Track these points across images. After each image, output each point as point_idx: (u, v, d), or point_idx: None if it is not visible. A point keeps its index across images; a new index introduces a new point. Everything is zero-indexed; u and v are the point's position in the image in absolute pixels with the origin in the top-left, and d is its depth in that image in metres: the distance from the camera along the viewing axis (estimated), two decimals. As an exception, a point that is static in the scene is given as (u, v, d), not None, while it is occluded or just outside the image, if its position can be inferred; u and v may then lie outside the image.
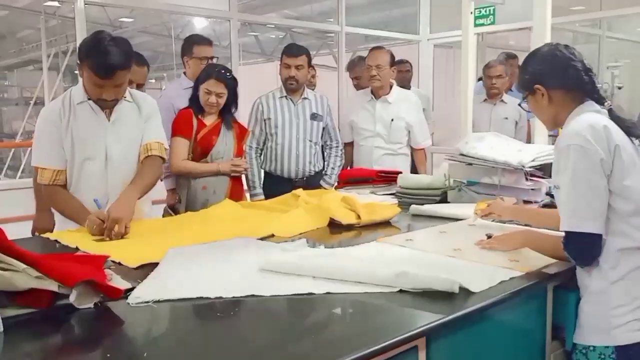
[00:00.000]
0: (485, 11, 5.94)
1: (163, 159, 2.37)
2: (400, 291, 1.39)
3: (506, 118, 4.29)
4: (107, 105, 2.22)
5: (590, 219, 1.47)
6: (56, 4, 9.05)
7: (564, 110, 1.64)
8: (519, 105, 1.82)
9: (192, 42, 3.41)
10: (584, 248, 1.50)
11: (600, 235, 1.49)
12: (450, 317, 1.26)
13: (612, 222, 1.50)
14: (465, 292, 1.37)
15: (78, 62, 2.13)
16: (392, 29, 7.21)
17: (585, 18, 6.36)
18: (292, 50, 3.38)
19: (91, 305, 1.32)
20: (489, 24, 6.00)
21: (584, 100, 1.62)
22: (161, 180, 2.94)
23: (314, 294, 1.40)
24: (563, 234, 1.52)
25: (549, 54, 1.67)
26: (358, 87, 4.35)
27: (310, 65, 3.42)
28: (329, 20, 7.79)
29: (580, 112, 1.60)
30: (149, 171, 2.29)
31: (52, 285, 1.29)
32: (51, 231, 2.28)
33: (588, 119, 1.55)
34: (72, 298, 1.29)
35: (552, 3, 5.84)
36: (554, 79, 1.63)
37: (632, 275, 1.49)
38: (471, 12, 3.27)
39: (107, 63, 2.03)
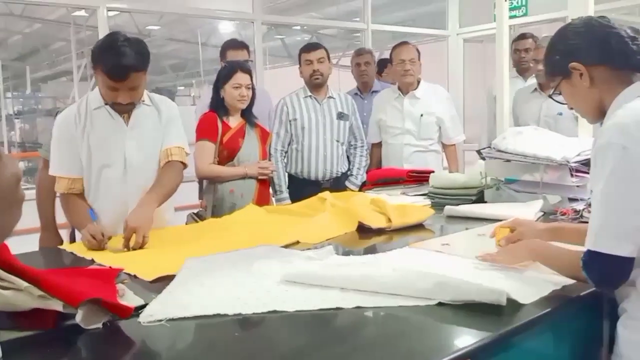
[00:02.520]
0: (518, 2, 5.73)
1: (184, 164, 2.27)
2: (439, 304, 1.24)
3: (560, 114, 3.33)
4: (123, 110, 2.13)
5: (621, 239, 1.18)
6: (84, 13, 9.14)
7: (610, 95, 1.33)
8: (550, 97, 1.49)
9: (226, 47, 3.47)
10: (607, 272, 1.22)
11: (631, 259, 1.19)
12: (498, 333, 1.10)
13: None
14: (512, 304, 1.21)
15: (92, 65, 2.04)
16: (420, 26, 7.05)
17: (627, 5, 6.04)
18: (310, 46, 3.36)
19: (99, 325, 1.21)
20: (522, 16, 5.80)
21: (632, 80, 1.31)
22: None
23: (342, 308, 1.26)
24: (584, 249, 1.24)
25: (583, 25, 1.37)
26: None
27: (329, 60, 3.33)
28: (355, 19, 7.66)
29: (629, 98, 1.29)
30: (169, 177, 2.18)
31: (56, 305, 1.19)
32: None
33: (637, 108, 1.25)
34: (78, 318, 1.18)
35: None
36: (594, 52, 1.33)
37: None
38: (505, 1, 3.08)
39: (121, 64, 1.94)
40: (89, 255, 1.82)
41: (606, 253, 1.19)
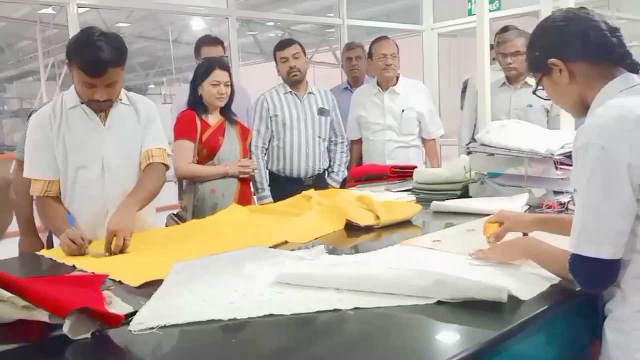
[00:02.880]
0: (489, -3, 5.77)
1: (166, 166, 2.21)
2: (439, 302, 1.22)
3: (530, 106, 3.31)
4: (101, 108, 2.05)
5: (604, 242, 1.16)
6: (51, 11, 8.91)
7: (592, 90, 1.29)
8: (534, 93, 1.45)
9: (201, 44, 3.40)
10: (592, 275, 1.20)
11: (617, 261, 1.18)
12: (501, 332, 1.09)
13: None
14: (511, 301, 1.19)
15: (67, 61, 1.96)
16: (394, 21, 7.06)
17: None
18: (283, 44, 3.28)
19: (88, 335, 1.16)
20: (496, 10, 5.84)
21: (615, 75, 1.28)
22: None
23: (340, 310, 1.23)
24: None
25: (562, 19, 1.33)
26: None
27: (305, 54, 3.28)
28: (329, 15, 7.63)
29: (610, 95, 1.26)
30: (151, 180, 2.11)
31: (42, 316, 1.13)
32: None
33: (618, 106, 1.20)
34: (66, 329, 1.13)
35: (556, -14, 5.71)
36: (573, 47, 1.29)
37: None
38: (487, -7, 3.07)
39: (98, 59, 1.87)
40: (69, 261, 1.75)
41: (589, 257, 1.17)
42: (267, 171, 3.26)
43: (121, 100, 2.12)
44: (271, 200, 3.11)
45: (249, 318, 1.22)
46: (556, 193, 2.23)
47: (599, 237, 1.16)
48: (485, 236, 1.63)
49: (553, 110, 3.32)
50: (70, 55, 1.93)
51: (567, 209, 2.08)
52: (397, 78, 3.45)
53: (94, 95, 1.97)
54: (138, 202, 2.01)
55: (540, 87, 1.42)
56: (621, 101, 1.22)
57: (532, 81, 3.28)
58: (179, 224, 2.59)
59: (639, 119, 1.15)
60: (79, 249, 1.81)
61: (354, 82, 3.98)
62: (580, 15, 1.32)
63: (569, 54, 1.30)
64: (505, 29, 3.42)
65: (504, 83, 3.53)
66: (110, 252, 1.80)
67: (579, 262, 1.19)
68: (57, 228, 2.02)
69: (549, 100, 1.45)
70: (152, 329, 1.17)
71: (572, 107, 1.37)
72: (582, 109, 1.34)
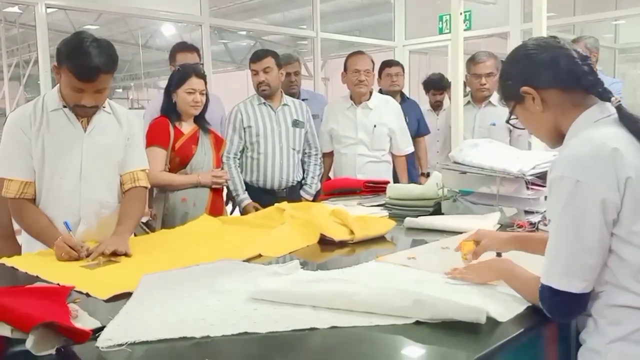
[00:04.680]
0: (463, 16, 5.87)
1: (148, 187, 2.22)
2: (417, 322, 1.21)
3: (493, 124, 3.45)
4: (86, 113, 2.01)
5: (574, 276, 1.16)
6: (17, 10, 8.67)
7: (565, 118, 1.28)
8: (507, 122, 1.42)
9: (176, 50, 3.36)
10: (559, 306, 1.20)
11: (583, 295, 1.17)
12: (480, 354, 1.08)
13: (615, 273, 1.17)
14: (489, 322, 1.19)
15: (55, 64, 1.92)
16: (365, 36, 7.12)
17: (559, 24, 6.34)
18: (257, 55, 3.22)
19: (52, 351, 1.10)
20: (466, 30, 5.94)
21: (588, 104, 1.26)
22: None
23: (316, 328, 1.21)
24: None
25: (533, 47, 1.32)
26: None
27: (280, 66, 3.22)
28: (301, 27, 7.65)
29: (584, 125, 1.25)
30: (137, 207, 2.13)
31: (3, 330, 1.07)
32: None
33: (592, 137, 1.19)
34: (28, 344, 1.07)
35: (524, 9, 5.86)
36: (545, 74, 1.28)
37: (635, 336, 1.15)
38: (461, 13, 3.12)
39: (90, 65, 1.84)
40: (33, 270, 1.67)
41: (557, 289, 1.17)
42: (241, 179, 3.21)
43: (104, 107, 2.08)
44: (250, 201, 3.09)
45: (223, 336, 1.18)
46: (527, 212, 2.26)
47: (568, 271, 1.16)
48: (460, 253, 1.63)
49: (515, 129, 3.35)
50: (61, 58, 1.89)
51: (537, 228, 2.10)
52: (371, 93, 3.46)
53: (81, 100, 1.93)
54: (130, 230, 2.03)
55: (513, 117, 1.39)
56: (595, 132, 1.20)
57: (495, 100, 3.50)
58: (148, 232, 2.52)
59: (613, 152, 1.14)
60: (78, 254, 1.80)
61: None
62: (550, 43, 1.31)
63: (541, 81, 1.29)
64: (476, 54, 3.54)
65: (469, 102, 3.65)
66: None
67: (547, 293, 1.19)
68: (38, 232, 1.97)
69: (522, 129, 1.43)
70: (121, 345, 1.13)
71: (546, 135, 1.36)
72: (556, 138, 1.33)
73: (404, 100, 4.14)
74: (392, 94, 4.04)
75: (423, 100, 5.18)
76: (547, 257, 1.20)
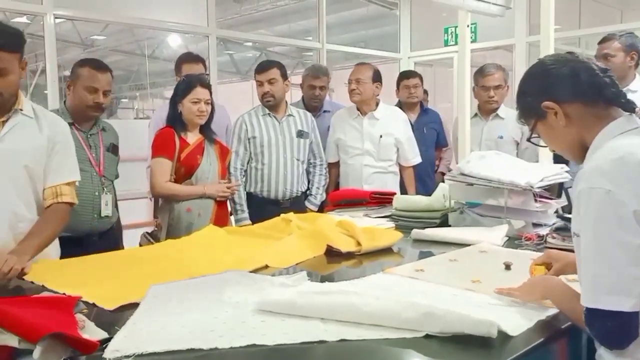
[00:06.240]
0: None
1: (72, 204, 2.01)
2: (426, 336, 1.19)
3: (501, 137, 3.48)
4: None
5: (620, 293, 1.06)
6: (25, 20, 8.73)
7: (589, 132, 1.24)
8: (529, 140, 1.39)
9: (181, 61, 3.35)
10: (611, 330, 1.09)
11: (637, 314, 1.07)
12: (492, 369, 1.07)
13: None
14: (500, 336, 1.17)
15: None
16: (370, 47, 7.14)
17: (564, 36, 6.34)
18: (262, 66, 3.24)
19: (60, 362, 1.10)
20: (471, 42, 5.96)
21: (613, 116, 1.23)
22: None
23: (325, 341, 1.20)
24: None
25: (552, 62, 1.30)
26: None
27: (285, 77, 3.23)
28: (307, 38, 7.67)
29: (609, 136, 1.21)
30: (52, 225, 1.91)
31: (11, 340, 1.06)
32: None
33: (619, 148, 1.15)
34: (36, 355, 1.06)
35: (529, 22, 5.87)
36: (566, 88, 1.25)
37: None
38: (468, 25, 3.13)
39: None
40: (38, 280, 1.66)
41: (606, 309, 1.07)
42: (245, 192, 3.21)
43: (22, 110, 1.90)
44: (249, 222, 3.06)
45: (231, 347, 1.17)
46: (535, 225, 2.25)
47: (613, 286, 1.07)
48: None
49: (522, 142, 3.43)
50: None
51: (545, 241, 2.09)
52: (377, 103, 3.47)
53: None
54: (31, 249, 1.80)
55: (535, 135, 1.36)
56: (620, 143, 1.17)
57: (503, 113, 3.51)
58: (152, 243, 2.52)
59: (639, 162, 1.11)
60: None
61: (311, 110, 3.74)
62: (569, 57, 1.30)
63: (562, 95, 1.26)
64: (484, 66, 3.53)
65: (476, 114, 3.66)
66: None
67: (595, 316, 1.10)
68: None
69: (544, 147, 1.39)
70: (129, 357, 1.12)
71: (570, 150, 1.32)
72: (580, 152, 1.29)
73: (423, 110, 4.12)
74: (411, 105, 4.04)
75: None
76: (587, 277, 1.11)
